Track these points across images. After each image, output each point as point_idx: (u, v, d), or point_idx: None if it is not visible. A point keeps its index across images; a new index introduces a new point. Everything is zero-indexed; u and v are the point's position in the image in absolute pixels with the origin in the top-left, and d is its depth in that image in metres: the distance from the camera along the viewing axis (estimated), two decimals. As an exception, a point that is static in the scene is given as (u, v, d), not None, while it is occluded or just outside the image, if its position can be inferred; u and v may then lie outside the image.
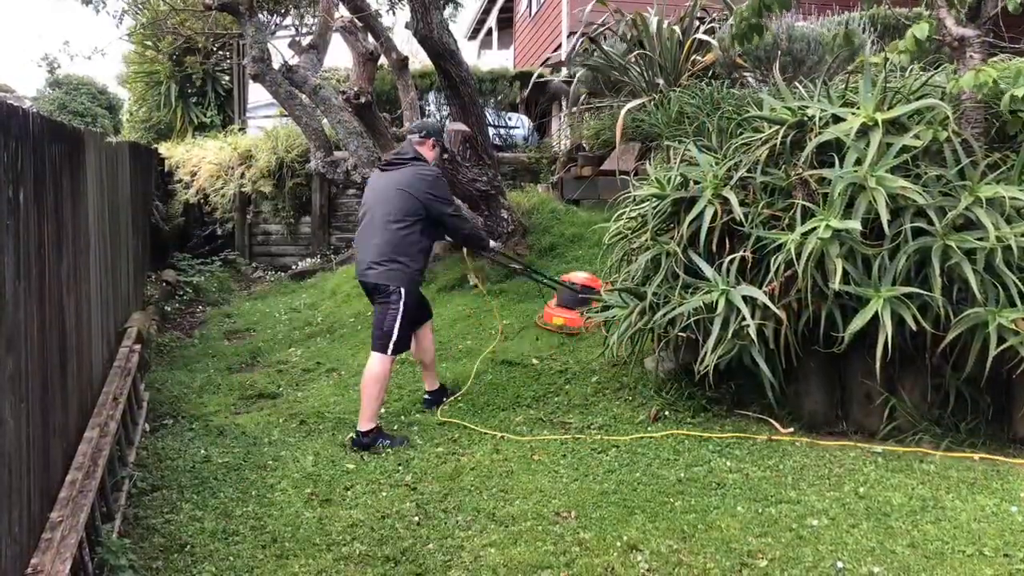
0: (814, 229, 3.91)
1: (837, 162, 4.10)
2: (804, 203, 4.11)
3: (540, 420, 4.69)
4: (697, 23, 8.64)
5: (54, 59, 10.79)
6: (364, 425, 4.39)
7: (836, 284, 3.84)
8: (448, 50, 7.18)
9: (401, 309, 4.46)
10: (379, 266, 4.47)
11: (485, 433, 4.55)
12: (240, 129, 13.62)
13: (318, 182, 11.02)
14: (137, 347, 5.20)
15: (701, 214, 4.34)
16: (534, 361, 5.59)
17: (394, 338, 4.49)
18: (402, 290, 4.46)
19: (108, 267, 4.88)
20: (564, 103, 11.43)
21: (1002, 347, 3.66)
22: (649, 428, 4.42)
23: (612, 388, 5.02)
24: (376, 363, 4.52)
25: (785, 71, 7.00)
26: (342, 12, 8.44)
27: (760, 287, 4.12)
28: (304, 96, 8.12)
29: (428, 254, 4.72)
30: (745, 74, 7.83)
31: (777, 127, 4.41)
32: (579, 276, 6.12)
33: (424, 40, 7.08)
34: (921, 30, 4.02)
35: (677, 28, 8.29)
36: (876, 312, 3.79)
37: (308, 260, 11.02)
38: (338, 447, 4.45)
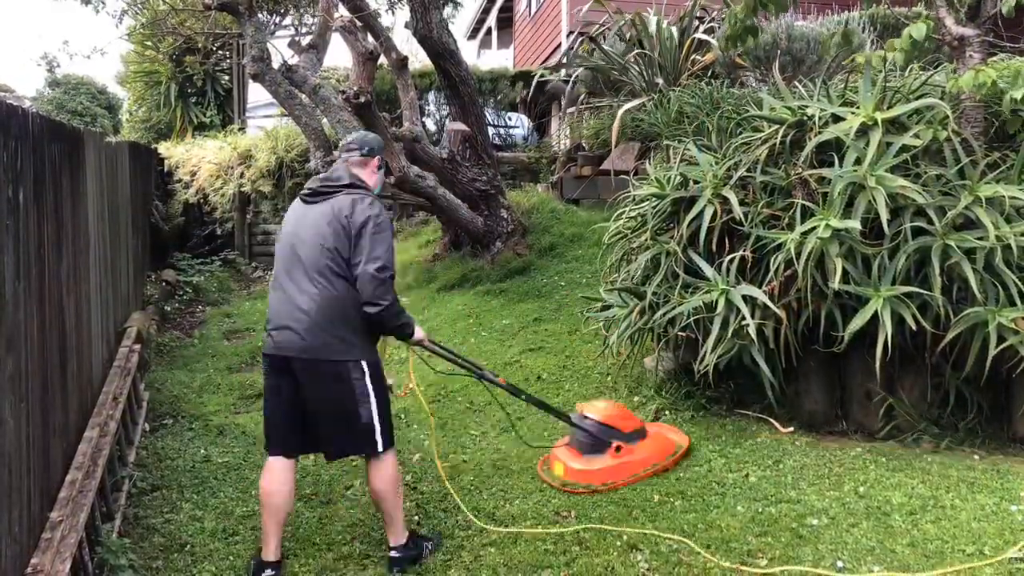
0: (814, 228, 3.90)
1: (837, 161, 4.10)
2: (804, 202, 4.11)
3: (539, 420, 4.69)
4: (696, 23, 8.64)
5: (53, 58, 10.79)
6: (398, 539, 3.24)
7: (836, 283, 3.84)
8: (448, 50, 7.18)
9: (371, 386, 3.15)
10: (313, 337, 3.08)
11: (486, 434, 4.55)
12: (240, 129, 13.61)
13: (318, 182, 11.01)
14: (137, 347, 5.20)
15: (701, 213, 4.34)
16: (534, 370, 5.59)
17: (379, 428, 3.17)
18: (363, 363, 3.15)
19: (108, 267, 4.88)
20: (564, 103, 11.42)
21: (1002, 346, 3.66)
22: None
23: (612, 387, 5.02)
24: (381, 469, 3.21)
25: (785, 70, 7.00)
26: (342, 12, 8.44)
27: (760, 287, 4.12)
28: (304, 96, 8.11)
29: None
30: (745, 73, 7.83)
31: (777, 126, 4.41)
32: (597, 407, 4.08)
33: (424, 40, 7.08)
34: (918, 30, 4.01)
35: (675, 28, 8.29)
36: (876, 311, 3.79)
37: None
38: (338, 447, 4.45)
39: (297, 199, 3.33)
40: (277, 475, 3.23)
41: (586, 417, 3.98)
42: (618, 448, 3.86)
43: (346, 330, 3.10)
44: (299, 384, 3.11)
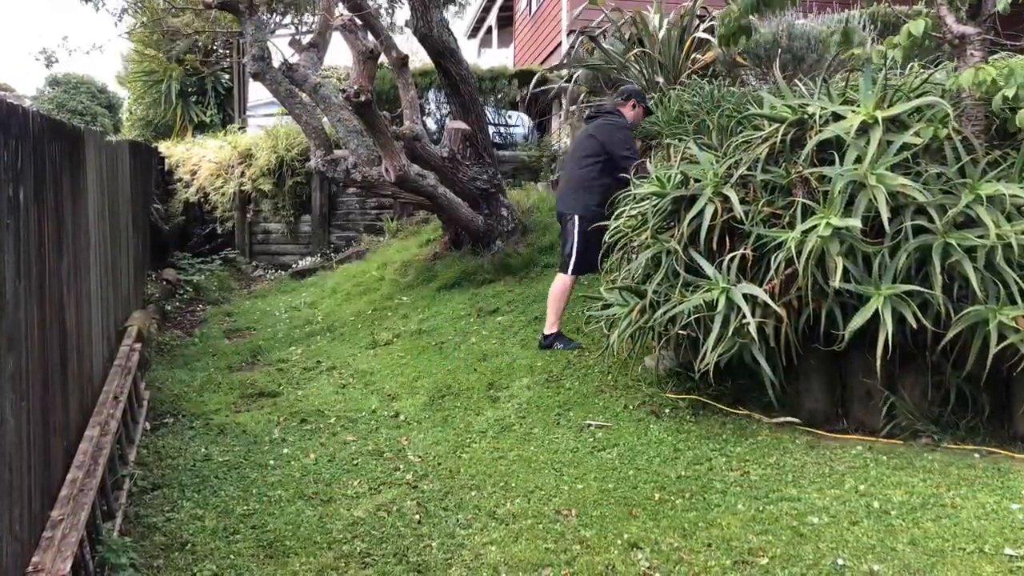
0: (814, 227, 3.90)
1: (837, 160, 4.10)
2: (804, 201, 4.11)
3: (539, 418, 4.69)
4: (697, 21, 8.64)
5: (52, 53, 10.72)
6: (549, 329, 5.64)
7: (836, 282, 3.84)
8: (448, 48, 7.18)
9: (576, 234, 5.54)
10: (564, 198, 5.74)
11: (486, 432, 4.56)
12: (240, 128, 13.61)
13: (318, 180, 11.03)
14: (137, 346, 5.21)
15: (701, 212, 4.34)
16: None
17: (573, 259, 5.57)
18: (575, 217, 5.55)
19: (108, 266, 4.88)
20: (564, 102, 11.42)
21: (1002, 345, 3.66)
22: (650, 426, 4.41)
23: (612, 386, 5.02)
24: (558, 281, 5.66)
25: (785, 69, 6.99)
26: (342, 11, 8.43)
27: (760, 285, 4.12)
28: (304, 94, 8.12)
29: (608, 191, 5.42)
30: (745, 72, 7.82)
31: (777, 125, 4.41)
32: None
33: (424, 38, 7.08)
34: (917, 27, 4.01)
35: (675, 28, 8.29)
36: (876, 310, 3.79)
37: (308, 259, 11.03)
38: (339, 445, 4.46)
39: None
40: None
41: None
42: None
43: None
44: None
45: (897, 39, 4.09)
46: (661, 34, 8.17)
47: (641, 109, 6.00)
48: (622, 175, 5.25)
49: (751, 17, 4.65)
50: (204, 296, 9.28)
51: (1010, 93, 3.74)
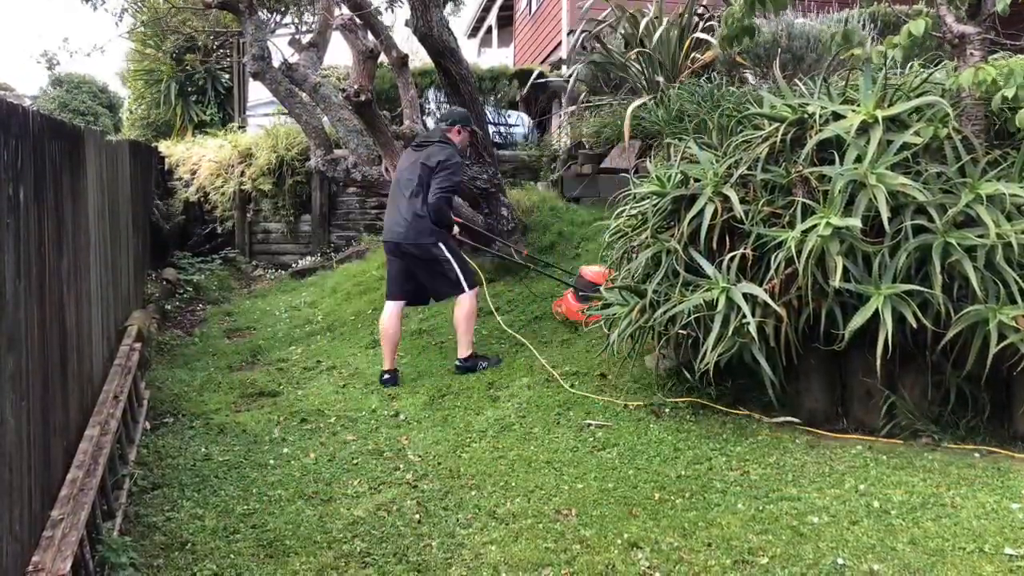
0: (814, 226, 3.90)
1: (837, 159, 4.10)
2: (804, 200, 4.11)
3: (540, 418, 4.69)
4: (696, 20, 8.64)
5: (53, 55, 10.73)
6: (464, 353, 5.56)
7: (836, 282, 3.84)
8: (448, 48, 7.17)
9: (450, 257, 5.50)
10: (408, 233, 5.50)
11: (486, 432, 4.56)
12: (240, 127, 13.61)
13: (318, 180, 11.03)
14: (137, 345, 5.21)
15: (701, 212, 4.34)
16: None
17: (463, 279, 5.49)
18: (439, 244, 5.47)
19: (108, 265, 4.88)
20: (564, 101, 11.42)
21: (1002, 344, 3.66)
22: (650, 426, 4.41)
23: (612, 386, 5.02)
24: (463, 304, 5.55)
25: (785, 68, 6.99)
26: (342, 10, 8.44)
27: (760, 285, 4.12)
28: (304, 94, 8.11)
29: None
30: (745, 72, 7.82)
31: (777, 124, 4.41)
32: (590, 270, 6.06)
33: (424, 38, 7.07)
34: (917, 26, 4.01)
35: (675, 27, 8.29)
36: (876, 309, 3.79)
37: (308, 258, 11.03)
38: (339, 445, 4.46)
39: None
40: (390, 314, 5.63)
41: (582, 277, 6.05)
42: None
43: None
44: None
45: (897, 39, 4.09)
46: (660, 33, 8.17)
47: (467, 133, 5.88)
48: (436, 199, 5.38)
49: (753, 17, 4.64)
50: (204, 296, 9.28)
51: (1010, 93, 3.74)
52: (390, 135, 6.81)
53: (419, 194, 5.40)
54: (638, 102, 7.64)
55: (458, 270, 5.46)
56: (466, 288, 5.49)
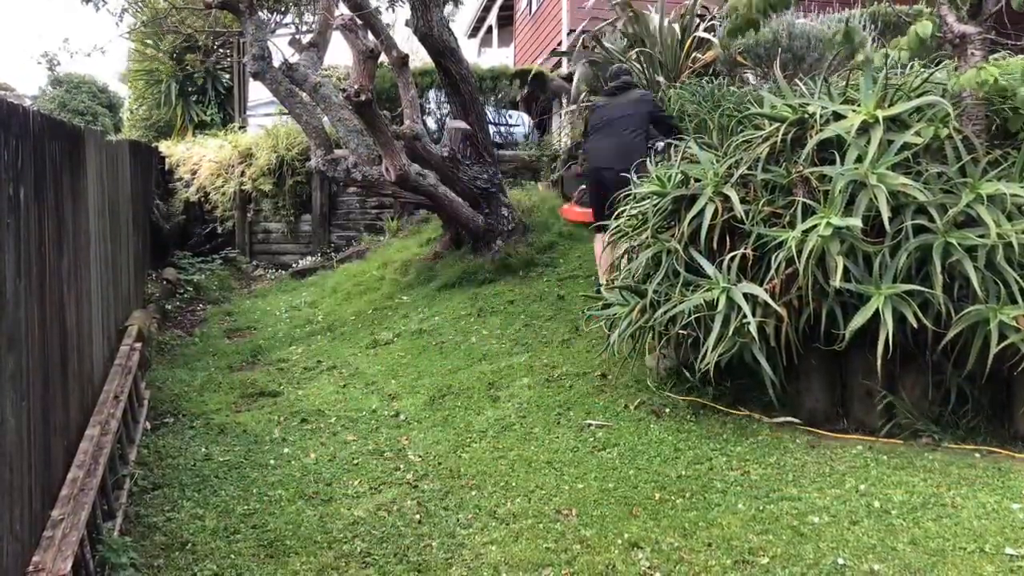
0: (815, 226, 3.90)
1: (838, 159, 4.10)
2: (805, 200, 4.11)
3: (540, 418, 4.69)
4: (697, 20, 8.63)
5: (54, 56, 10.74)
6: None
7: (837, 281, 3.83)
8: (448, 48, 7.17)
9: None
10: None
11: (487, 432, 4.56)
12: (240, 127, 13.61)
13: (318, 180, 11.02)
14: (138, 345, 5.20)
15: (702, 212, 4.34)
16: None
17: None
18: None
19: (109, 265, 4.88)
20: (565, 100, 11.41)
21: (1003, 344, 3.66)
22: (651, 426, 4.41)
23: (612, 386, 5.02)
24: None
25: (786, 68, 6.98)
26: (342, 10, 8.43)
27: (761, 285, 4.12)
28: (304, 94, 8.11)
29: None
30: (745, 72, 7.81)
31: (778, 124, 4.41)
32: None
33: (424, 38, 7.08)
34: (924, 28, 4.01)
35: (677, 26, 8.28)
36: (877, 309, 3.79)
37: (309, 258, 11.03)
38: (339, 445, 4.46)
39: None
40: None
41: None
42: None
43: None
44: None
45: (903, 41, 4.09)
46: (661, 33, 8.17)
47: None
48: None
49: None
50: (204, 295, 9.28)
51: None
52: (390, 135, 6.80)
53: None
54: None
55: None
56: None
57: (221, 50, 14.59)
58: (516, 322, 6.44)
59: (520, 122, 13.05)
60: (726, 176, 4.44)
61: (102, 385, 4.24)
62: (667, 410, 4.59)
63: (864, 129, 4.06)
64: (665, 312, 4.35)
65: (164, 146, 12.18)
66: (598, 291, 5.90)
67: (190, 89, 14.93)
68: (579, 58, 9.75)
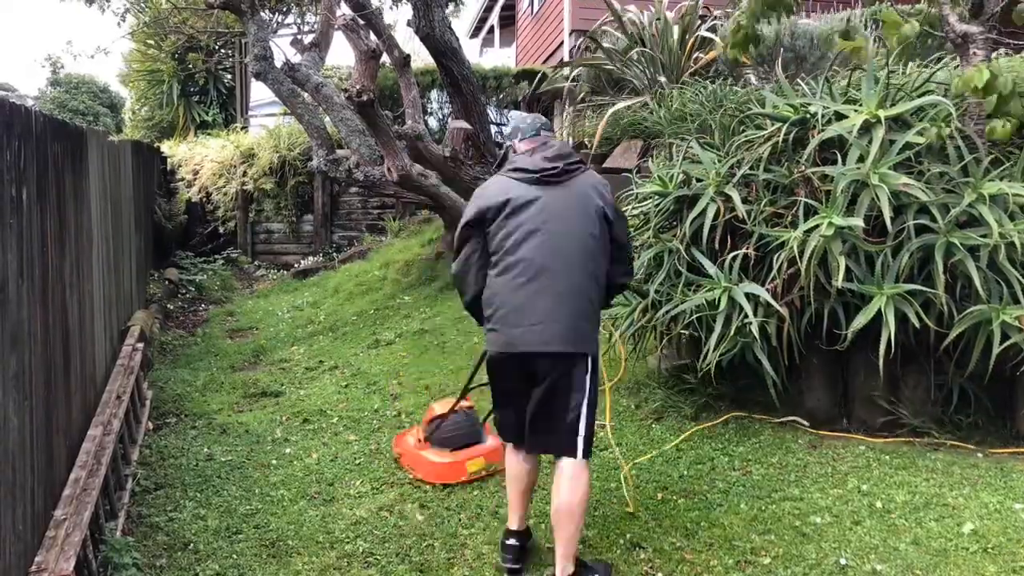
0: (817, 226, 3.90)
1: (840, 159, 4.10)
2: (807, 200, 4.10)
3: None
4: (699, 20, 8.63)
5: (57, 58, 10.79)
6: (572, 559, 2.96)
7: (839, 281, 3.83)
8: (450, 48, 7.17)
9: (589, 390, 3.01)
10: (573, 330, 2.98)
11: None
12: (242, 127, 13.61)
13: (320, 180, 11.03)
14: (140, 345, 5.21)
15: (703, 212, 4.34)
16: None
17: (589, 437, 3.02)
18: (588, 359, 3.02)
19: (111, 265, 4.89)
20: (566, 101, 11.41)
21: (1005, 344, 3.66)
22: (652, 426, 4.41)
23: (614, 386, 5.02)
24: (585, 484, 2.99)
25: (787, 68, 6.99)
26: (344, 10, 8.44)
27: (763, 284, 4.11)
28: (306, 94, 8.12)
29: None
30: (747, 71, 7.81)
31: (780, 124, 4.40)
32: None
33: (426, 38, 7.08)
34: (912, 28, 4.01)
35: (677, 27, 8.29)
36: (879, 309, 3.78)
37: (310, 258, 11.03)
38: (341, 445, 4.46)
39: (525, 184, 3.05)
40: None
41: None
42: None
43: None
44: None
45: (893, 40, 4.08)
46: (662, 33, 8.17)
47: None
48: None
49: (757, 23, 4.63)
50: (206, 296, 9.29)
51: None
52: (392, 135, 6.80)
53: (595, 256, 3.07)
54: (617, 106, 7.64)
55: (585, 417, 3.00)
56: (589, 452, 3.04)
57: (223, 50, 14.60)
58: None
59: (521, 122, 13.02)
60: (728, 176, 4.43)
61: (104, 385, 4.25)
62: (669, 410, 4.58)
63: (866, 129, 4.06)
64: (667, 312, 4.34)
65: (166, 146, 12.20)
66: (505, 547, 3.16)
67: (192, 89, 14.94)
68: (580, 60, 9.76)
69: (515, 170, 3.12)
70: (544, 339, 2.93)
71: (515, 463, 3.15)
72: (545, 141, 3.21)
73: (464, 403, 4.05)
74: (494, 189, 3.13)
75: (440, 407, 4.06)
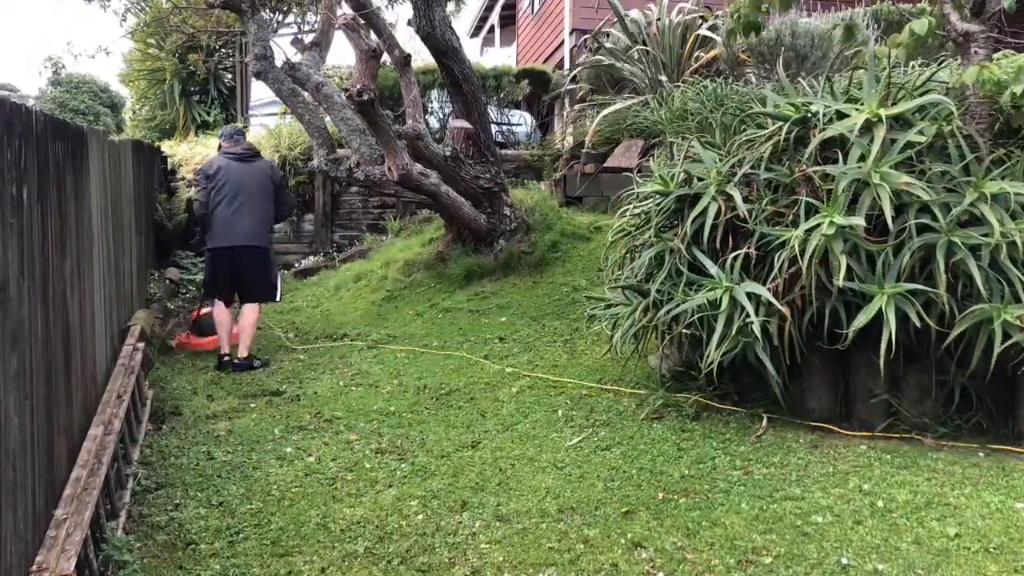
0: (818, 225, 3.90)
1: (841, 158, 4.09)
2: (808, 199, 4.10)
3: (542, 417, 4.69)
4: (700, 20, 8.63)
5: (58, 59, 10.78)
6: (244, 354, 6.13)
7: (840, 281, 3.83)
8: (450, 47, 7.17)
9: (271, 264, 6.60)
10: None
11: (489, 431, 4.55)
12: (243, 127, 13.60)
13: (321, 180, 11.02)
14: (141, 345, 5.21)
15: (705, 211, 4.33)
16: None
17: (279, 288, 6.74)
18: (267, 248, 6.49)
19: (111, 265, 4.88)
20: (567, 100, 11.42)
21: (1007, 343, 3.65)
22: (653, 425, 4.41)
23: (615, 385, 5.02)
24: (256, 312, 6.35)
25: (788, 67, 6.98)
26: (344, 10, 8.44)
27: (764, 284, 4.11)
28: (307, 94, 8.11)
29: None
30: (748, 70, 7.81)
31: (781, 123, 4.40)
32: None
33: (426, 37, 7.07)
34: (920, 25, 4.00)
35: (678, 27, 8.28)
36: (880, 309, 3.78)
37: (311, 258, 11.02)
38: (342, 444, 4.46)
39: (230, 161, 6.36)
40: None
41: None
42: None
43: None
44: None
45: (900, 37, 4.08)
46: (663, 32, 8.17)
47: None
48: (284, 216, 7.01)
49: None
50: (207, 295, 9.27)
51: (1019, 90, 3.73)
52: (393, 134, 6.80)
53: (266, 203, 6.39)
54: (609, 109, 7.65)
55: (278, 278, 6.59)
56: (278, 297, 6.66)
57: (223, 50, 14.60)
58: (518, 321, 6.44)
59: (522, 121, 13.05)
60: (729, 175, 4.43)
61: (105, 384, 4.24)
62: (670, 410, 4.58)
63: (867, 128, 4.05)
64: (668, 312, 4.34)
65: (167, 146, 12.18)
66: (221, 364, 6.10)
67: (192, 89, 14.93)
68: (581, 60, 9.75)
69: (226, 154, 6.40)
70: (244, 237, 6.22)
71: (225, 313, 6.29)
72: (238, 141, 6.54)
73: (205, 311, 6.75)
74: (215, 163, 6.35)
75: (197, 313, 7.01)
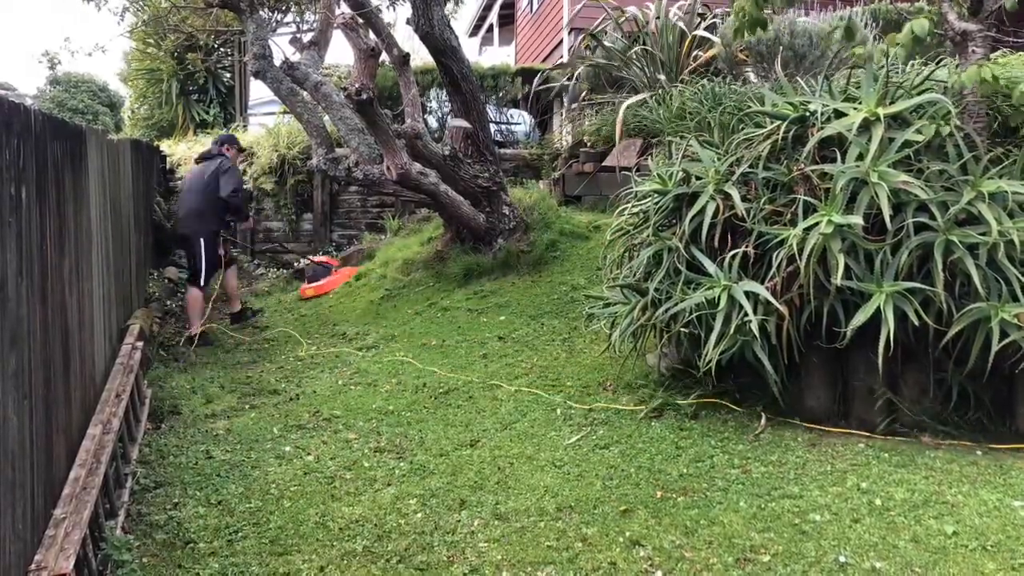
0: (816, 224, 3.90)
1: (839, 157, 4.10)
2: (806, 198, 4.11)
3: (541, 416, 4.69)
4: (698, 19, 8.63)
5: (55, 55, 10.76)
6: (195, 330, 6.96)
7: (838, 279, 3.83)
8: (449, 46, 7.17)
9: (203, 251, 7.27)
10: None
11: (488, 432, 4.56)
12: (242, 126, 13.61)
13: (320, 179, 11.03)
14: (140, 344, 5.21)
15: (703, 210, 4.34)
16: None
17: (204, 273, 7.22)
18: (200, 238, 7.23)
19: (110, 264, 4.88)
20: (566, 99, 11.41)
21: (1004, 342, 3.66)
22: (652, 424, 4.41)
23: (614, 384, 5.02)
24: (195, 293, 7.22)
25: (787, 66, 6.99)
26: (343, 9, 8.44)
27: (762, 283, 4.12)
28: (305, 93, 8.12)
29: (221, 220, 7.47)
30: (746, 70, 7.81)
31: (779, 122, 4.40)
32: (318, 258, 9.49)
33: (425, 36, 7.07)
34: (920, 25, 4.01)
35: (680, 24, 8.28)
36: (878, 307, 3.79)
37: (310, 257, 11.03)
38: (341, 443, 4.46)
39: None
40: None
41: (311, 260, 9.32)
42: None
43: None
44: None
45: (900, 37, 4.08)
46: (662, 31, 8.17)
47: (235, 150, 7.65)
48: (231, 203, 7.29)
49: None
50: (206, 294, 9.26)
51: None
52: (391, 134, 6.80)
53: (206, 198, 7.26)
54: (632, 99, 7.64)
55: (203, 263, 7.22)
56: (201, 282, 7.20)
57: (222, 49, 14.59)
58: (517, 320, 6.44)
59: (521, 120, 13.05)
60: (727, 174, 4.44)
61: (104, 384, 4.25)
62: (668, 408, 4.58)
63: (865, 127, 4.06)
64: (666, 310, 4.35)
65: (165, 145, 12.18)
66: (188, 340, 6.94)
67: (191, 88, 14.94)
68: (579, 61, 9.76)
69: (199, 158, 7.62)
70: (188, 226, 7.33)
71: (202, 298, 7.20)
72: (208, 146, 7.59)
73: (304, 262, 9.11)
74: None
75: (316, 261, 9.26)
